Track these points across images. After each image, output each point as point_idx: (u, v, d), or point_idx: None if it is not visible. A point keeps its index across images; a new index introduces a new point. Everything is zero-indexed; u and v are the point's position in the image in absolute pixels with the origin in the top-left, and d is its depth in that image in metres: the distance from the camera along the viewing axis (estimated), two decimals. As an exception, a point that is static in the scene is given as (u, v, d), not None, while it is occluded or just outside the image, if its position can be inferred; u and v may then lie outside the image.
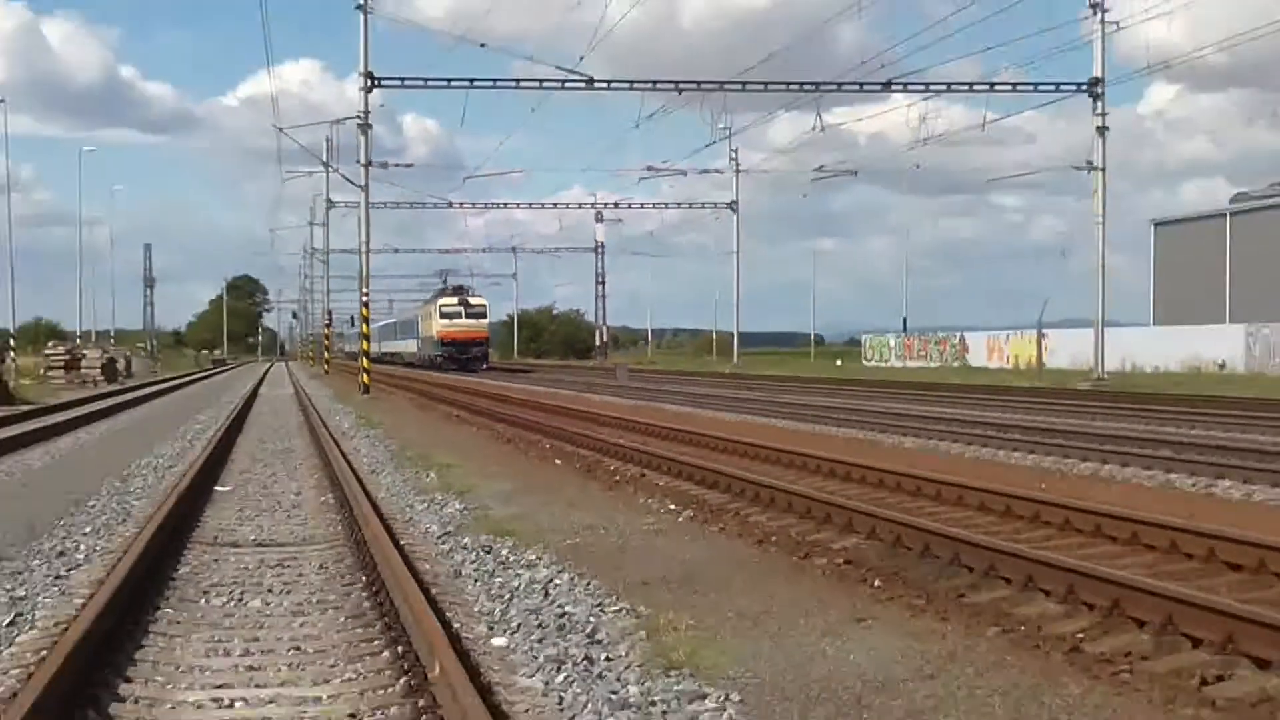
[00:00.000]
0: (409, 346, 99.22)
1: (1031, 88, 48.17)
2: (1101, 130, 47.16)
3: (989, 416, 27.38)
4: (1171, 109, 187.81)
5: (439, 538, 12.01)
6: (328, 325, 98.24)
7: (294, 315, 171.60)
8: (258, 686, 6.83)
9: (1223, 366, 60.87)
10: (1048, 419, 26.32)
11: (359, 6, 44.18)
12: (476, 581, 9.84)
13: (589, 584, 9.52)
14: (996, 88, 48.57)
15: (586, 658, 7.35)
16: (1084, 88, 46.76)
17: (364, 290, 51.36)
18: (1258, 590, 8.49)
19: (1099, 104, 46.74)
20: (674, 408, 33.78)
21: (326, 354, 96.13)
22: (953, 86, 49.90)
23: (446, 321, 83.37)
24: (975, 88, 49.13)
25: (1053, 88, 47.73)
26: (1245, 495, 14.22)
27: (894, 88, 49.57)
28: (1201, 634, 7.13)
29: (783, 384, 51.40)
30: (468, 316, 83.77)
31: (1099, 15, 45.89)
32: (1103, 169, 47.29)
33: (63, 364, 66.75)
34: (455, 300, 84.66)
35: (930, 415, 28.07)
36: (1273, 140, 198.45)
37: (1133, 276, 78.54)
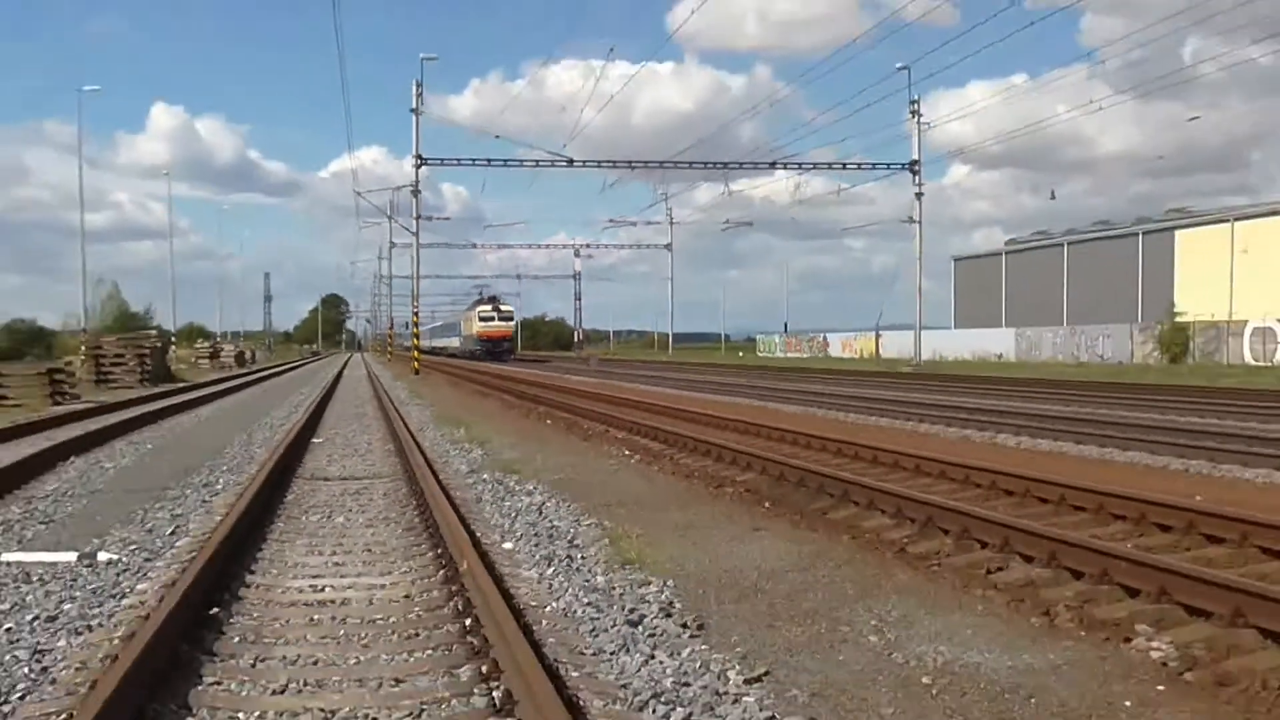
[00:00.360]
0: (453, 342, 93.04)
1: (871, 166, 48.50)
2: (919, 196, 47.50)
3: (842, 391, 27.48)
4: (965, 181, 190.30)
5: (466, 474, 11.96)
6: (390, 328, 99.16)
7: (367, 321, 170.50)
8: (341, 576, 6.78)
9: (1000, 357, 61.43)
10: (881, 393, 26.48)
11: (412, 110, 44.46)
12: (492, 504, 9.80)
13: (570, 506, 9.50)
14: (848, 166, 48.84)
15: (568, 556, 7.33)
16: (907, 167, 47.09)
17: (415, 305, 52.54)
18: (1025, 509, 8.56)
19: (917, 178, 47.13)
20: (628, 384, 33.77)
21: (390, 347, 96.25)
22: (817, 165, 50.17)
23: (484, 323, 77.21)
24: (833, 166, 49.35)
25: (886, 166, 48.12)
26: (1017, 444, 14.34)
27: (778, 166, 50.12)
28: (987, 539, 7.18)
29: (701, 369, 51.45)
30: (499, 320, 78.05)
31: (916, 118, 46.39)
32: (920, 222, 47.65)
33: (208, 354, 66.95)
34: (490, 307, 78.86)
35: (800, 390, 28.14)
36: (1033, 203, 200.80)
37: (940, 294, 79.61)
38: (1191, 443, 13.07)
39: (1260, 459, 11.57)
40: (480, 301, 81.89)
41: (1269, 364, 45.71)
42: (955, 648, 5.12)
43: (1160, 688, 4.55)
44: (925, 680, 4.68)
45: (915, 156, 46.75)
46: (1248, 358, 47.78)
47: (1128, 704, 4.35)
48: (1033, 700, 4.41)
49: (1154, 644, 5.04)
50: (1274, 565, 6.52)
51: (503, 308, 79.63)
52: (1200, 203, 68.44)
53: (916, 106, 46.40)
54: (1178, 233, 61.00)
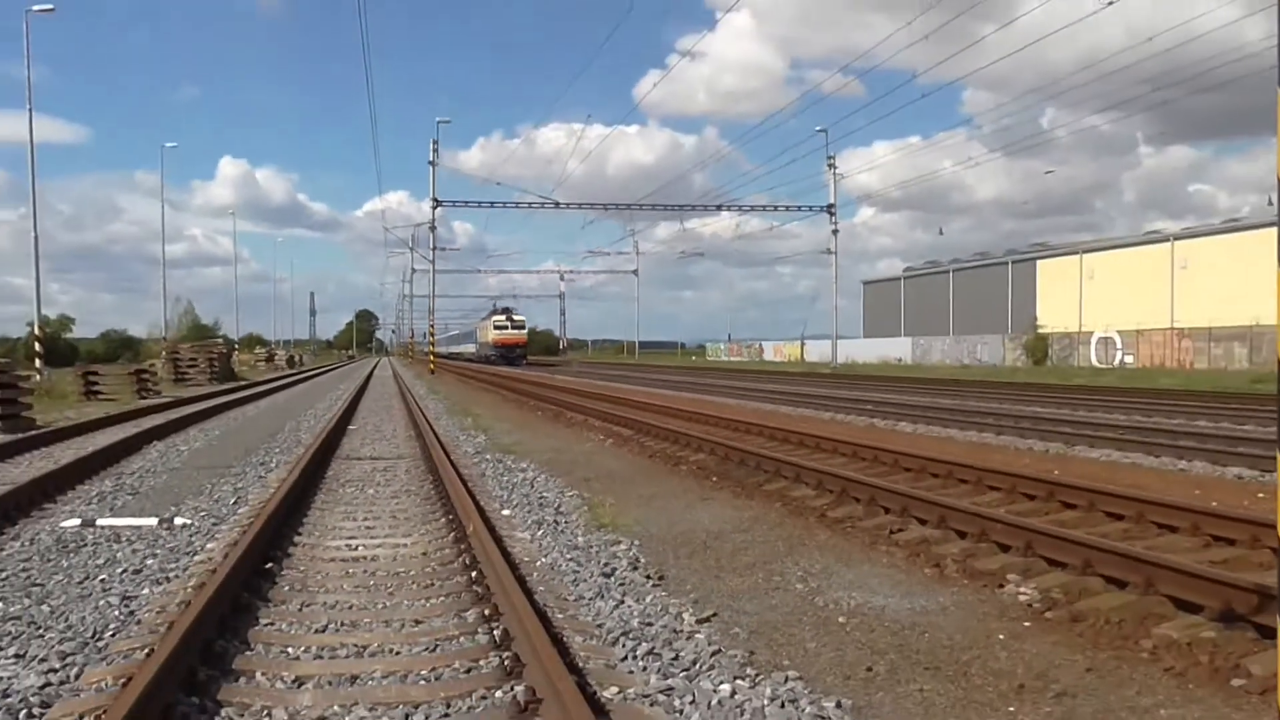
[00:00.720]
0: (469, 349, 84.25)
1: (797, 208, 48.61)
2: (834, 232, 47.51)
3: (773, 388, 27.49)
4: (871, 220, 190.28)
5: (473, 455, 11.87)
6: (411, 337, 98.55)
7: (393, 331, 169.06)
8: (371, 538, 6.71)
9: (900, 360, 61.82)
10: (805, 389, 26.55)
11: (430, 162, 44.62)
12: (494, 479, 9.73)
13: (556, 480, 9.46)
14: (778, 208, 49.00)
15: (554, 521, 7.29)
16: (825, 209, 47.21)
17: (431, 319, 53.14)
18: (921, 482, 8.59)
19: (833, 218, 47.20)
20: (602, 382, 33.68)
21: (411, 352, 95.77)
22: (754, 207, 50.32)
23: (499, 331, 69.88)
24: (766, 208, 49.55)
25: (809, 209, 48.19)
26: (914, 430, 14.41)
27: (723, 208, 50.22)
28: (890, 506, 7.19)
29: (661, 370, 51.42)
30: (513, 328, 70.53)
31: (832, 170, 46.68)
32: (835, 253, 47.74)
33: (265, 358, 66.66)
34: (505, 317, 71.62)
35: (737, 386, 28.16)
36: (925, 238, 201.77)
37: (852, 311, 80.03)
38: (1050, 429, 13.18)
39: (1104, 441, 11.70)
40: (495, 312, 75.38)
41: (1110, 366, 46.33)
42: (865, 593, 5.13)
43: (1027, 624, 4.58)
44: (841, 620, 4.68)
45: (831, 201, 46.99)
46: (1094, 361, 48.44)
47: (1001, 637, 4.38)
48: (926, 635, 4.42)
49: (1022, 589, 5.07)
50: (1115, 526, 6.58)
51: (515, 317, 72.36)
52: (1056, 239, 69.09)
53: (832, 161, 46.77)
54: (1039, 262, 61.63)
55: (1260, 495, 7.83)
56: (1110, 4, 15.04)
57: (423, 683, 3.80)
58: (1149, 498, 6.92)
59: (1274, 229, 2.03)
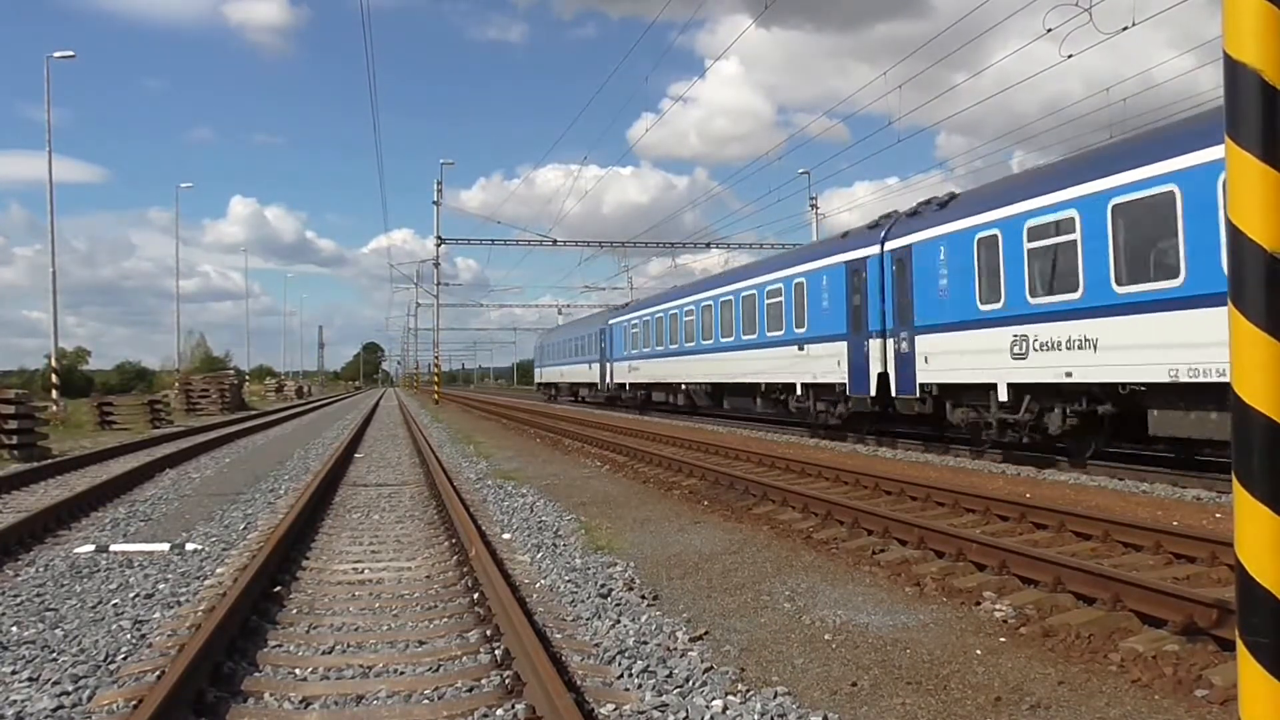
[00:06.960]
0: (671, 367, 25.36)
1: (782, 246, 48.76)
2: (817, 268, 47.86)
3: (760, 414, 27.41)
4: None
5: (475, 481, 11.82)
6: (415, 368, 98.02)
7: (398, 363, 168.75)
8: (376, 561, 6.66)
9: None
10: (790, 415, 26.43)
11: (434, 202, 44.52)
12: (495, 504, 9.69)
13: (554, 504, 9.41)
14: (764, 246, 49.20)
15: (553, 544, 7.25)
16: (808, 246, 47.60)
17: (436, 351, 52.86)
18: (901, 505, 8.60)
19: (816, 255, 47.54)
20: (599, 410, 33.61)
21: (416, 383, 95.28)
22: (742, 245, 50.62)
23: None
24: (754, 245, 49.82)
25: (794, 246, 48.44)
26: (894, 456, 14.39)
27: (712, 245, 50.52)
28: (872, 528, 7.20)
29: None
30: None
31: (815, 210, 47.04)
32: (818, 288, 48.01)
33: (274, 389, 66.12)
34: None
35: (727, 414, 28.09)
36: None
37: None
38: (1021, 454, 13.19)
39: (1072, 466, 11.72)
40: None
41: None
42: (849, 611, 5.11)
43: (1002, 639, 4.56)
44: (827, 637, 4.66)
45: (814, 239, 47.35)
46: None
47: (979, 652, 4.36)
48: (908, 650, 4.40)
49: (997, 606, 5.06)
50: (1083, 545, 6.58)
51: None
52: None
53: (814, 201, 47.08)
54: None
55: (1218, 515, 7.85)
56: (1070, 56, 15.26)
57: (426, 702, 3.76)
58: (1114, 518, 6.94)
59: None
